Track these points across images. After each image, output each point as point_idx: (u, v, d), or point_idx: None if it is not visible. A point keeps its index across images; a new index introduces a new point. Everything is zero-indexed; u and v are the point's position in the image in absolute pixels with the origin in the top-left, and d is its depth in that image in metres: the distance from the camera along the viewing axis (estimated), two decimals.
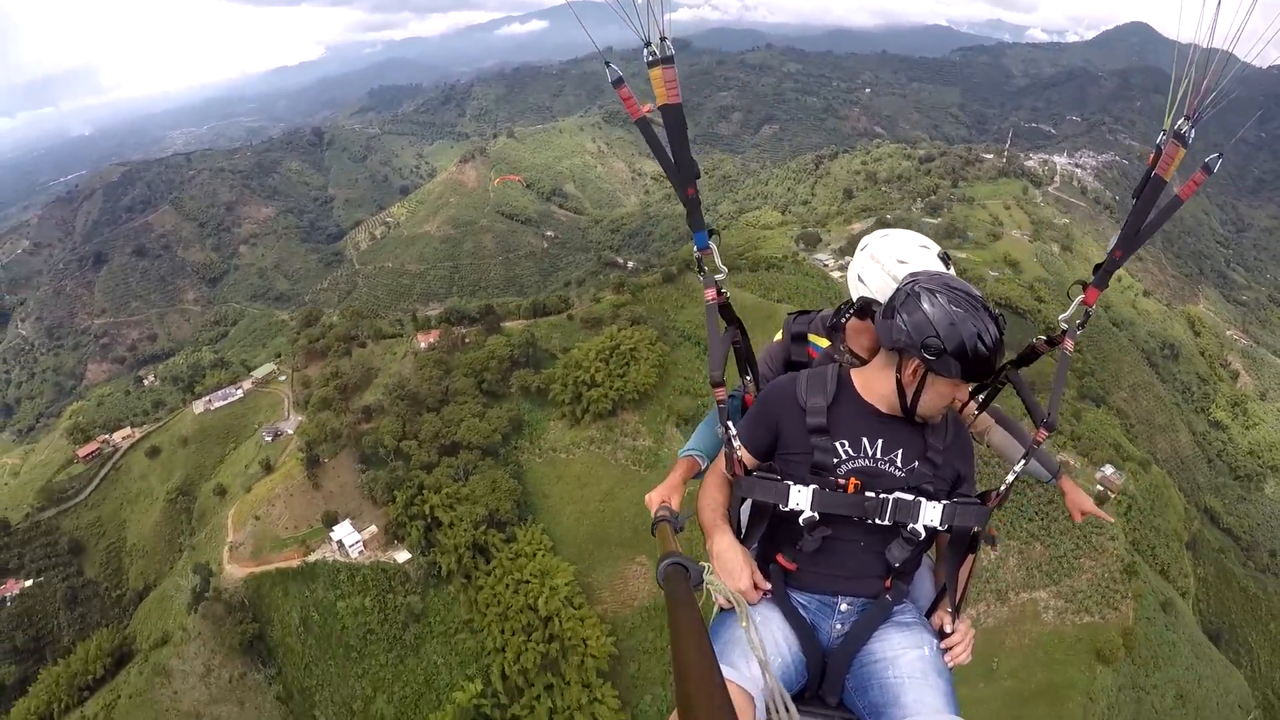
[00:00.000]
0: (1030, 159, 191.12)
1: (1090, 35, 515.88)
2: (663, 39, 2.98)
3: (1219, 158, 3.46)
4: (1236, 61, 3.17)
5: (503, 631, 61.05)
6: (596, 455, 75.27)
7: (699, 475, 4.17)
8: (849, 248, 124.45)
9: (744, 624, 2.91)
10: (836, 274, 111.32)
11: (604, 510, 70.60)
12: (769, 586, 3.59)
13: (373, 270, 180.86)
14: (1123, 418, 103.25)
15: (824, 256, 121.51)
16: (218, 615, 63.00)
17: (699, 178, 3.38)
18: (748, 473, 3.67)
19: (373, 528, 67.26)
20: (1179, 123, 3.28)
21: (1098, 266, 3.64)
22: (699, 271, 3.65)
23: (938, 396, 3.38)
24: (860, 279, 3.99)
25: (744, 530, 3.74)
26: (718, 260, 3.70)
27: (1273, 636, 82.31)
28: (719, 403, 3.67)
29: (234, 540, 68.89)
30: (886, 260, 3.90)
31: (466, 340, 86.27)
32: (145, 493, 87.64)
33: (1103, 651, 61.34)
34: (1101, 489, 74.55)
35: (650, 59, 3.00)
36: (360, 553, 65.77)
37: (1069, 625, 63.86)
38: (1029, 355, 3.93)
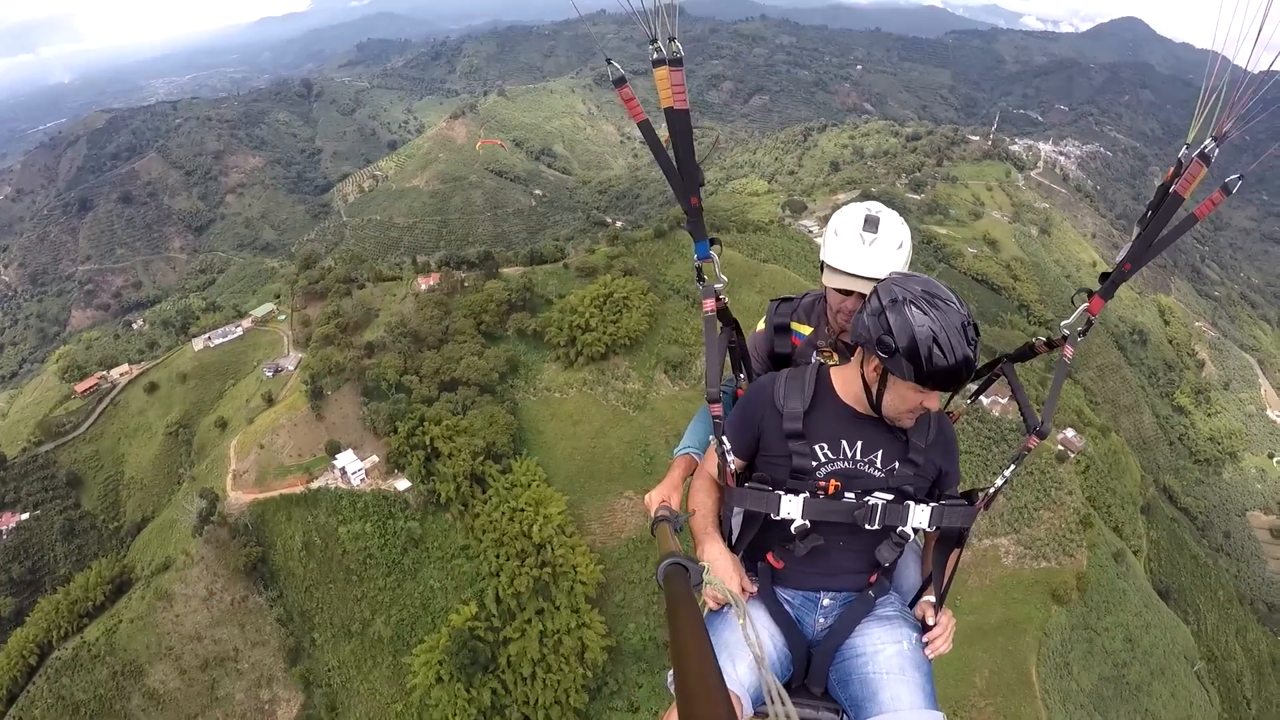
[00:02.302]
0: (1015, 144, 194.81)
1: (1084, 27, 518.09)
2: (672, 39, 2.99)
3: (1240, 179, 3.42)
4: (1272, 81, 3.12)
5: (498, 557, 63.77)
6: (589, 396, 78.23)
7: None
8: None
9: (741, 621, 2.85)
10: (820, 240, 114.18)
11: (595, 447, 73.59)
12: (755, 589, 3.78)
13: (360, 222, 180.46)
14: (1089, 395, 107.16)
15: (809, 223, 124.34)
16: (221, 540, 64.80)
17: (703, 185, 3.40)
18: (739, 480, 3.79)
19: (374, 457, 69.46)
20: (1206, 142, 3.29)
21: (1104, 275, 3.73)
22: (699, 281, 3.73)
23: (899, 399, 3.40)
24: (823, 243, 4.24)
25: (736, 535, 3.91)
26: (718, 269, 3.75)
27: (1220, 604, 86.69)
28: (715, 418, 3.74)
29: (237, 468, 70.51)
30: (829, 229, 4.17)
31: (465, 284, 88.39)
32: (144, 427, 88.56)
33: (1058, 592, 65.07)
34: (1062, 449, 78.36)
35: (656, 58, 3.01)
36: (362, 480, 68.05)
37: (1027, 569, 67.54)
38: (1026, 352, 4.10)
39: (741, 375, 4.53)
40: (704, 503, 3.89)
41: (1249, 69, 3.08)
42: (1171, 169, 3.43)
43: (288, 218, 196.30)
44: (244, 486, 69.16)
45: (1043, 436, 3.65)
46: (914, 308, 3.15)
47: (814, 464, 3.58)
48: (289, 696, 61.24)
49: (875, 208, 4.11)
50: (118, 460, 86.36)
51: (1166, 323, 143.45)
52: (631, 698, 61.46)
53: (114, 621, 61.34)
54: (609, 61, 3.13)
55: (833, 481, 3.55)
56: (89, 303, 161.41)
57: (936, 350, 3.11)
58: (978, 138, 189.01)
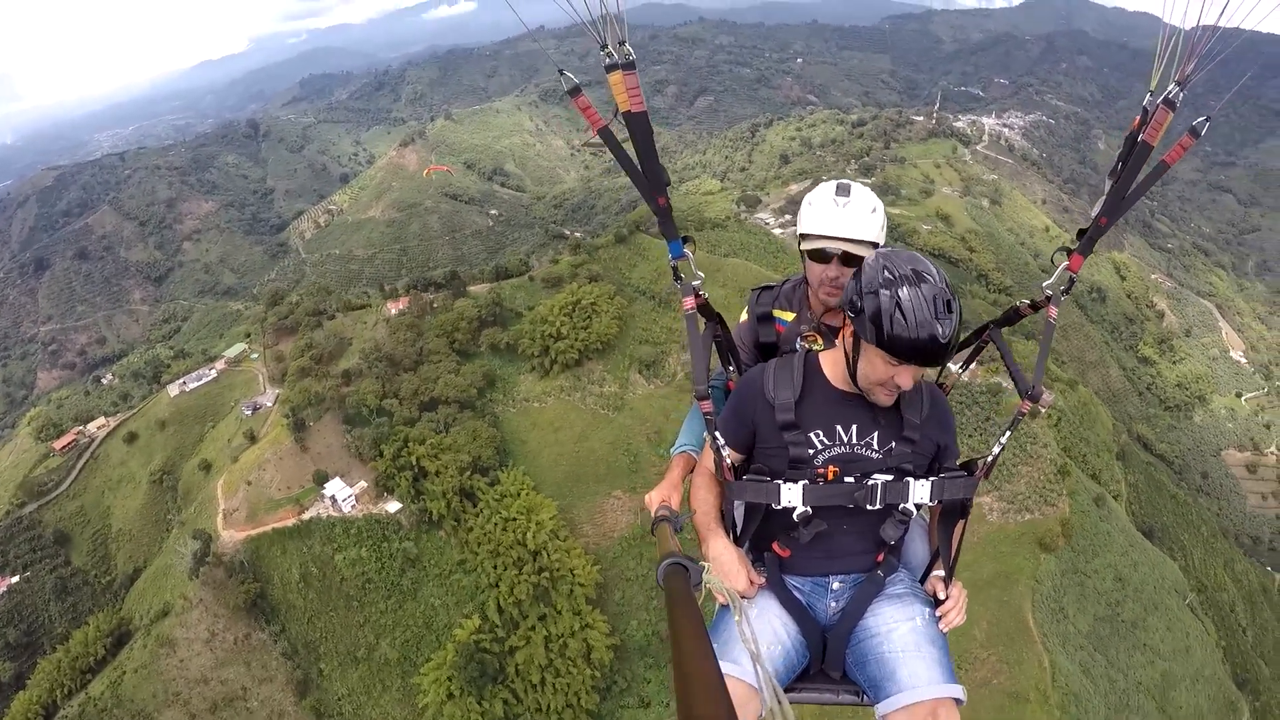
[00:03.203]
0: (959, 120, 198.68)
1: (1018, 1, 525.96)
2: (622, 43, 3.00)
3: (1206, 121, 3.50)
4: (1226, 27, 3.17)
5: (495, 567, 64.58)
6: (567, 402, 79.31)
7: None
8: (788, 207, 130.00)
9: (738, 618, 2.87)
10: (777, 231, 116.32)
11: (579, 451, 74.68)
12: (764, 580, 3.76)
13: (320, 258, 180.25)
14: (1054, 355, 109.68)
15: (765, 216, 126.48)
16: (218, 580, 64.79)
17: (669, 185, 3.42)
18: (737, 474, 3.78)
19: (363, 483, 70.03)
20: (1170, 88, 3.31)
21: (1081, 232, 3.75)
22: (676, 280, 3.75)
23: (870, 367, 3.37)
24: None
25: (740, 526, 3.87)
26: (694, 267, 3.75)
27: (1205, 539, 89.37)
28: (706, 415, 3.74)
29: (227, 507, 70.62)
30: (804, 203, 4.28)
31: (434, 305, 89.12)
32: (127, 478, 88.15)
33: (1044, 541, 66.79)
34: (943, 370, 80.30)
35: (609, 63, 3.02)
36: (353, 507, 68.59)
37: (1012, 523, 69.13)
38: (1012, 316, 4.11)
39: (731, 368, 4.55)
40: (705, 499, 3.90)
41: (1203, 14, 3.12)
42: (1137, 118, 3.47)
43: (246, 260, 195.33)
44: (236, 524, 69.18)
45: (1035, 400, 3.71)
46: (888, 272, 3.17)
47: (811, 452, 3.61)
48: None
49: (847, 180, 4.24)
50: (104, 513, 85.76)
51: (1123, 278, 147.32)
52: (641, 694, 62.41)
53: (118, 674, 60.94)
54: (561, 73, 3.08)
55: (831, 468, 3.58)
56: (54, 363, 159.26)
57: (898, 315, 3.11)
58: (922, 118, 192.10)
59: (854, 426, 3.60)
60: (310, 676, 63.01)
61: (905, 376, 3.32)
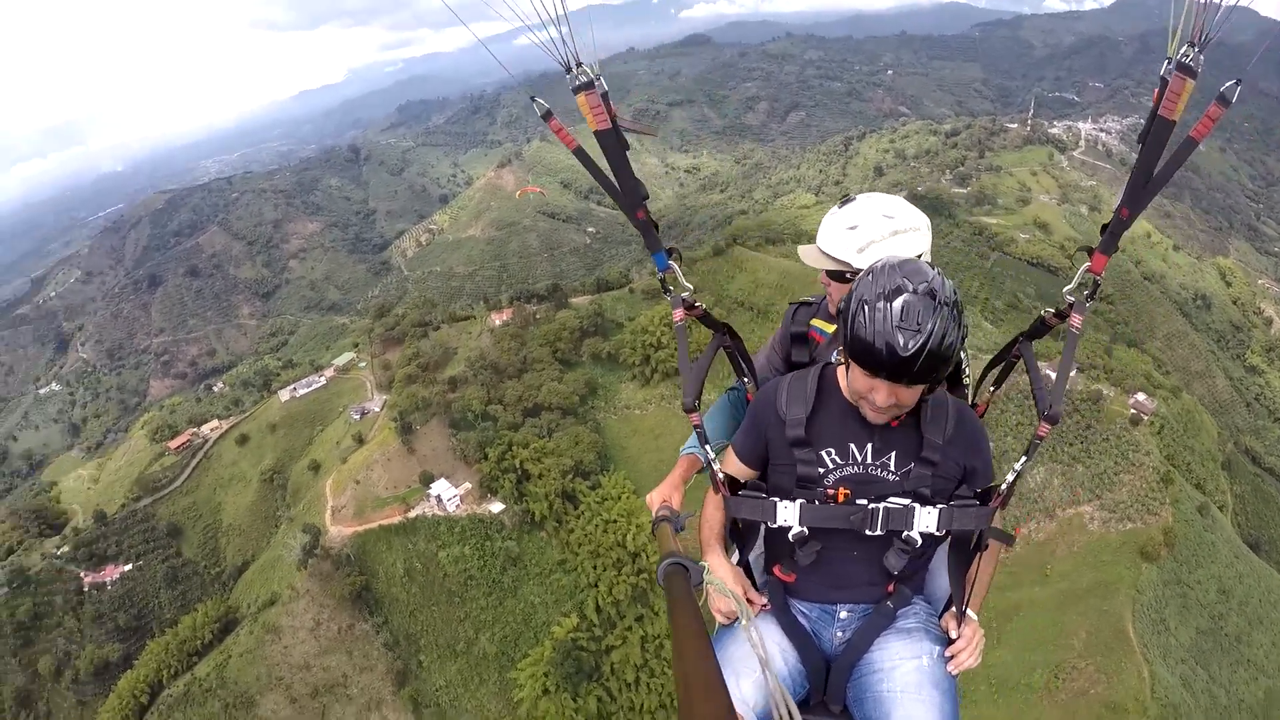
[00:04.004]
0: (1054, 126, 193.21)
1: (1108, 1, 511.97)
2: (578, 64, 2.98)
3: (1238, 83, 2.70)
4: None
5: (595, 568, 65.93)
6: (667, 410, 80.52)
7: (701, 471, 4.19)
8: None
9: (744, 623, 2.85)
10: None
11: (678, 458, 75.07)
12: (765, 601, 3.64)
13: (421, 275, 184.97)
14: (1158, 364, 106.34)
15: None
16: (324, 572, 67.67)
17: (647, 199, 3.39)
18: (736, 489, 3.65)
19: (467, 484, 72.24)
20: (1183, 50, 2.76)
21: (1104, 228, 3.22)
22: (665, 293, 3.62)
23: (852, 379, 3.15)
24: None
25: (741, 545, 3.83)
26: (681, 278, 3.60)
27: None
28: (695, 428, 3.70)
29: (335, 504, 73.58)
30: (839, 223, 3.96)
31: (537, 316, 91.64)
32: (238, 476, 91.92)
33: (1146, 550, 65.11)
34: (1135, 412, 78.33)
35: (574, 86, 3.02)
36: (457, 507, 70.82)
37: (1113, 532, 67.63)
38: (1039, 328, 3.76)
39: (746, 380, 4.34)
40: (713, 515, 3.80)
41: None
42: (1156, 91, 2.86)
43: (350, 277, 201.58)
44: (343, 521, 71.92)
45: (1053, 422, 3.35)
46: (870, 281, 2.95)
47: (821, 471, 3.41)
48: (398, 718, 63.23)
49: (868, 194, 4.07)
50: (215, 509, 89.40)
51: (1229, 284, 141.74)
52: None
53: (224, 657, 64.05)
54: (534, 99, 3.10)
55: (842, 489, 3.38)
56: (166, 372, 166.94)
57: (861, 322, 2.89)
58: (1016, 125, 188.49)
59: (869, 445, 3.38)
60: (410, 667, 64.99)
61: (879, 392, 3.05)
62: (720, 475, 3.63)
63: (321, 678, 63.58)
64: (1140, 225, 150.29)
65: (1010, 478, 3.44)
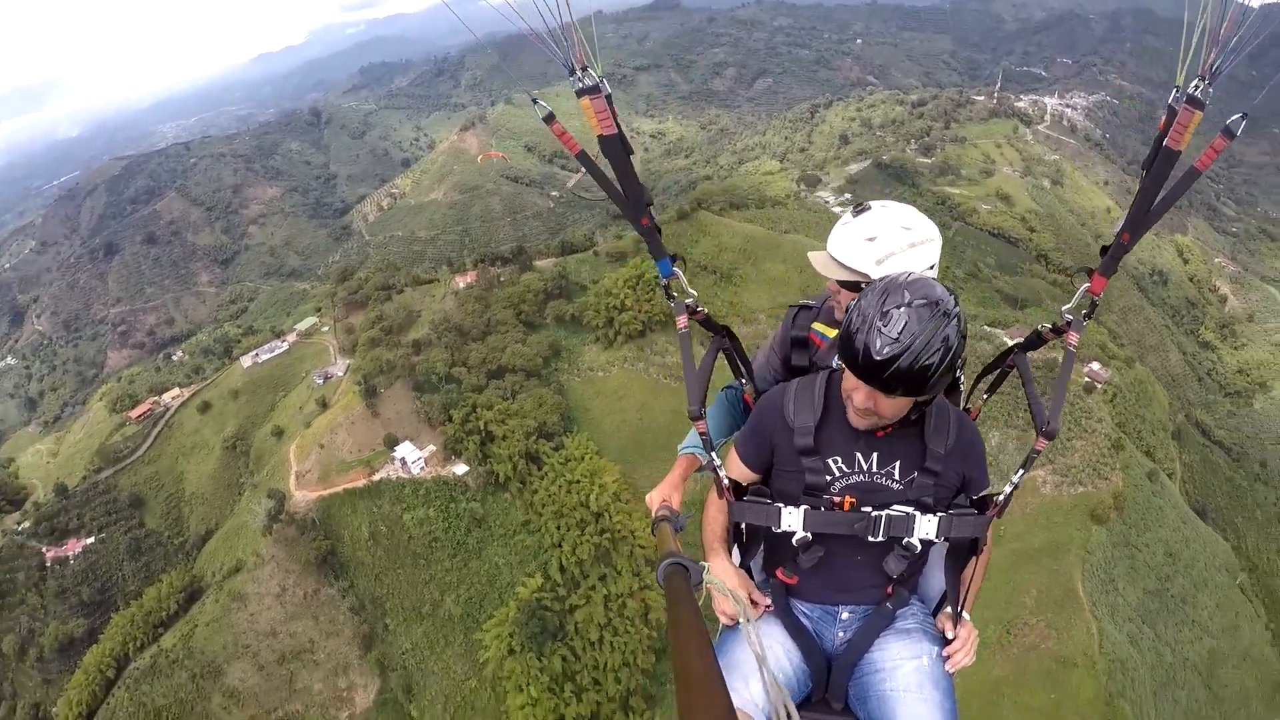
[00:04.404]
0: (1021, 100, 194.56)
1: None
2: (584, 68, 2.95)
3: (1243, 118, 2.97)
4: (1255, 7, 2.83)
5: (558, 528, 66.34)
6: (630, 372, 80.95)
7: (701, 469, 4.29)
8: (847, 186, 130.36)
9: (743, 620, 2.80)
10: (837, 209, 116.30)
11: (641, 419, 76.14)
12: (768, 602, 3.68)
13: (383, 239, 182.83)
14: (1114, 336, 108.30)
15: (825, 195, 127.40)
16: (290, 537, 67.56)
17: (650, 205, 3.37)
18: (741, 494, 3.70)
19: (432, 446, 72.27)
20: (1193, 83, 2.90)
21: (1104, 250, 3.42)
22: (669, 299, 3.66)
23: (845, 376, 3.24)
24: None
25: (744, 548, 3.92)
26: (685, 285, 3.65)
27: (1260, 524, 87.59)
28: (702, 434, 3.73)
29: (299, 469, 73.38)
30: (857, 234, 3.92)
31: (501, 279, 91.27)
32: (200, 444, 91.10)
33: (1096, 513, 66.65)
34: (1089, 380, 79.97)
35: (579, 89, 2.98)
36: (422, 469, 70.86)
37: (1065, 495, 69.00)
38: (1034, 340, 3.89)
39: (744, 381, 4.46)
40: (715, 518, 3.86)
41: None
42: (1163, 118, 3.06)
43: (310, 243, 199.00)
44: (308, 485, 71.77)
45: (1050, 438, 3.46)
46: (882, 287, 2.98)
47: (828, 479, 3.49)
48: (365, 682, 63.56)
49: (883, 203, 4.03)
50: (177, 478, 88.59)
51: (1186, 261, 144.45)
52: None
53: (189, 627, 63.88)
54: (535, 101, 3.09)
55: (848, 498, 3.45)
56: (124, 343, 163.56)
57: (853, 320, 2.97)
58: (983, 98, 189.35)
59: (875, 454, 3.46)
60: (376, 631, 65.28)
61: (859, 392, 3.14)
62: (725, 481, 3.68)
63: (288, 644, 63.66)
64: (1100, 200, 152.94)
65: (1008, 489, 3.54)
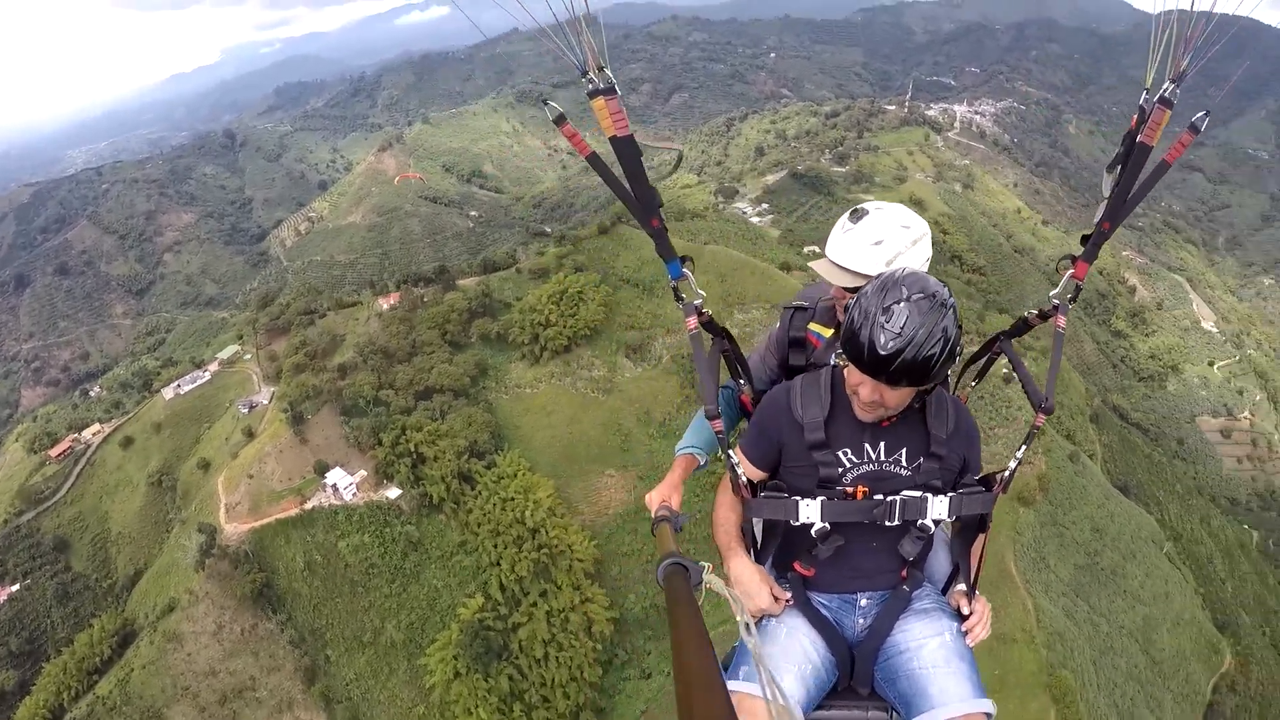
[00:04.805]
0: (931, 109, 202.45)
1: None
2: (601, 69, 2.95)
3: (1206, 116, 3.27)
4: (1224, 13, 3.11)
5: (496, 546, 65.96)
6: (558, 387, 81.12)
7: (700, 468, 4.33)
8: (764, 197, 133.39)
9: (740, 620, 2.61)
10: (755, 219, 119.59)
11: (571, 433, 76.51)
12: (789, 596, 3.73)
13: (302, 265, 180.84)
14: (1030, 331, 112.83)
15: (742, 205, 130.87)
16: (223, 572, 65.75)
17: (662, 207, 3.38)
18: (755, 491, 3.77)
19: (363, 471, 71.39)
20: (1165, 85, 3.24)
21: (1085, 238, 3.74)
22: (677, 300, 3.62)
23: (850, 373, 3.35)
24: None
25: (759, 545, 3.93)
26: (694, 286, 3.60)
27: (1180, 496, 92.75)
28: (718, 434, 3.76)
29: (229, 501, 71.66)
30: (863, 239, 4.04)
31: (425, 299, 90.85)
32: (124, 481, 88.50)
33: (1022, 495, 69.32)
34: (1007, 372, 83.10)
35: (591, 89, 2.98)
36: (354, 495, 70.02)
37: None
38: (1020, 326, 4.11)
39: (741, 381, 4.46)
40: (727, 518, 3.88)
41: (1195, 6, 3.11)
42: (1135, 117, 3.40)
43: (228, 270, 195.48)
44: (239, 517, 70.15)
45: (1048, 413, 3.73)
46: (881, 284, 3.11)
47: (840, 471, 3.59)
48: (311, 717, 62.04)
49: (877, 205, 4.19)
50: (102, 518, 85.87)
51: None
52: (642, 665, 63.66)
53: (125, 672, 61.67)
54: (546, 103, 3.11)
55: (861, 487, 3.56)
56: (38, 380, 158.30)
57: (855, 316, 3.10)
58: (894, 107, 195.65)
59: (881, 443, 3.60)
60: (318, 663, 63.84)
61: (864, 387, 3.28)
62: (744, 479, 3.74)
63: (229, 682, 61.99)
64: (1010, 202, 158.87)
65: (1013, 465, 3.78)
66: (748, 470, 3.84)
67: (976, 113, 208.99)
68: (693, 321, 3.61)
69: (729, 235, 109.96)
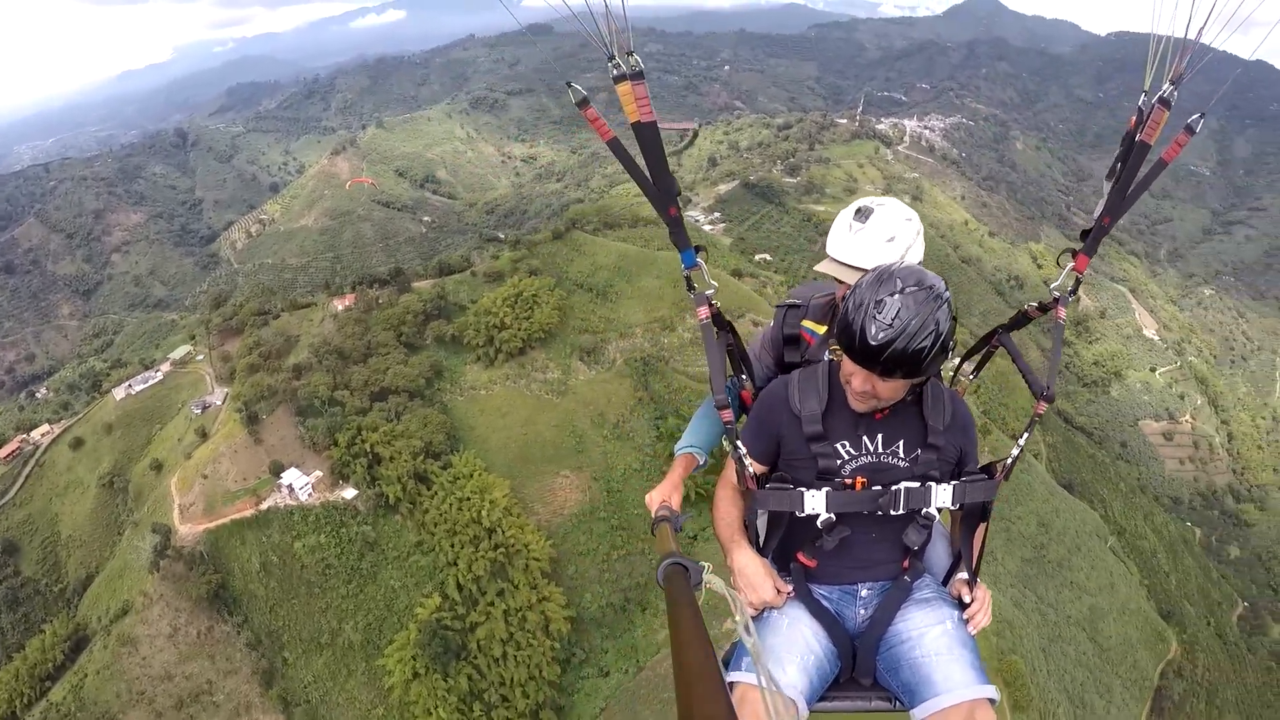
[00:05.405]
0: (882, 123, 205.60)
1: (940, 9, 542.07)
2: (629, 54, 3.00)
3: (1201, 117, 3.44)
4: (1214, 24, 3.17)
5: (452, 546, 66.35)
6: (512, 389, 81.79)
7: (699, 468, 4.38)
8: (717, 205, 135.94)
9: (737, 617, 2.53)
10: (707, 227, 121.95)
11: (526, 434, 77.17)
12: (792, 589, 3.73)
13: (252, 268, 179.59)
14: (975, 337, 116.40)
15: (695, 214, 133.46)
16: (178, 573, 65.05)
17: (679, 195, 3.39)
18: (760, 483, 3.75)
19: (318, 471, 71.48)
20: (1164, 87, 3.36)
21: (1085, 233, 3.84)
22: (689, 290, 3.69)
23: (844, 363, 3.38)
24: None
25: (762, 537, 3.89)
26: (707, 276, 3.68)
27: (1123, 494, 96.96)
28: (726, 424, 3.77)
29: (183, 502, 71.12)
30: (877, 237, 4.09)
31: (380, 301, 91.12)
32: (75, 483, 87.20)
33: None
34: (953, 375, 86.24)
35: (616, 74, 3.02)
36: (310, 495, 70.02)
37: None
38: (1020, 319, 4.21)
39: (743, 377, 4.40)
40: (728, 512, 3.91)
41: (1192, 24, 3.21)
42: (1133, 118, 3.52)
43: (176, 272, 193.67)
44: (193, 518, 69.62)
45: (1050, 400, 3.76)
46: (878, 278, 3.14)
47: (839, 463, 3.61)
48: None
49: (877, 201, 4.21)
50: (52, 521, 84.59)
51: (1040, 266, 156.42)
52: (600, 663, 64.49)
53: (79, 678, 60.95)
54: (570, 85, 3.13)
55: (859, 478, 3.57)
56: None
57: (851, 301, 3.14)
58: (845, 121, 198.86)
59: (879, 435, 3.62)
60: (275, 666, 63.60)
61: (856, 377, 3.31)
62: (750, 471, 3.74)
63: (185, 687, 61.35)
64: (958, 214, 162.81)
65: (1015, 452, 3.85)
66: (752, 464, 3.86)
67: (926, 128, 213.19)
68: (704, 311, 3.71)
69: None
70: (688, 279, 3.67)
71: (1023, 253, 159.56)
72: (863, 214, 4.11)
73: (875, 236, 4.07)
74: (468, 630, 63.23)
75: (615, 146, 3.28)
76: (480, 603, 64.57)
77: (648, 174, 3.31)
